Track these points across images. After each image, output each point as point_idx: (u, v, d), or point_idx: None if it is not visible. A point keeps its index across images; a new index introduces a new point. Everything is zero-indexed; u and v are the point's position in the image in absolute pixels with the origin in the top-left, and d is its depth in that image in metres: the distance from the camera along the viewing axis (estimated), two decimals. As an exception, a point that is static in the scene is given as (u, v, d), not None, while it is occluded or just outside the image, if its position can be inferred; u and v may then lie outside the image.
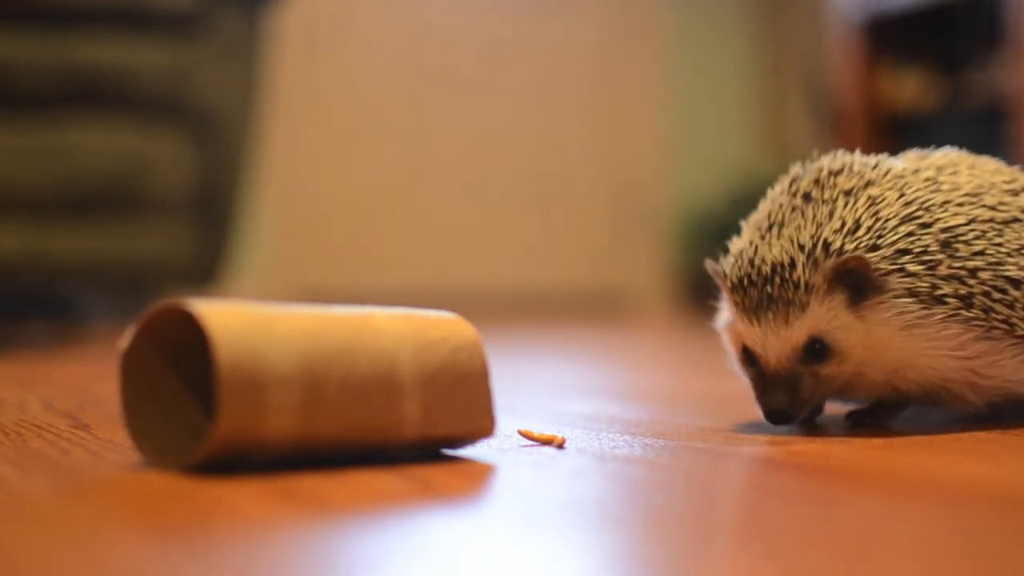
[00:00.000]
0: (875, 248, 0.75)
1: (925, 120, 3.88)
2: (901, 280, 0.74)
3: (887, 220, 0.76)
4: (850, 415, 0.82)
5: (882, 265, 0.75)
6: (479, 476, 0.60)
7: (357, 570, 0.40)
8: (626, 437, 0.76)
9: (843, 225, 0.76)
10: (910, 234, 0.75)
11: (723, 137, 4.88)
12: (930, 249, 0.75)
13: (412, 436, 0.65)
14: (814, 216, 0.77)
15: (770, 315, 0.75)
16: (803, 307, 0.75)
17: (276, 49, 4.33)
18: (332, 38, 4.43)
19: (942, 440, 0.73)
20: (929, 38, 3.99)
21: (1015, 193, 0.80)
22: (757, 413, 0.90)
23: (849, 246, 0.75)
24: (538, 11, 4.65)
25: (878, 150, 3.95)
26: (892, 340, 0.75)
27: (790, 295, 0.75)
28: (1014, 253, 0.76)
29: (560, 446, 0.72)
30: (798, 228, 0.77)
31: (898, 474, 0.60)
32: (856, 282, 0.75)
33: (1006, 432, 0.76)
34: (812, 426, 0.81)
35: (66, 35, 2.19)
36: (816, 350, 0.75)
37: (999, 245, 0.76)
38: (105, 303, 3.12)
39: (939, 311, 0.74)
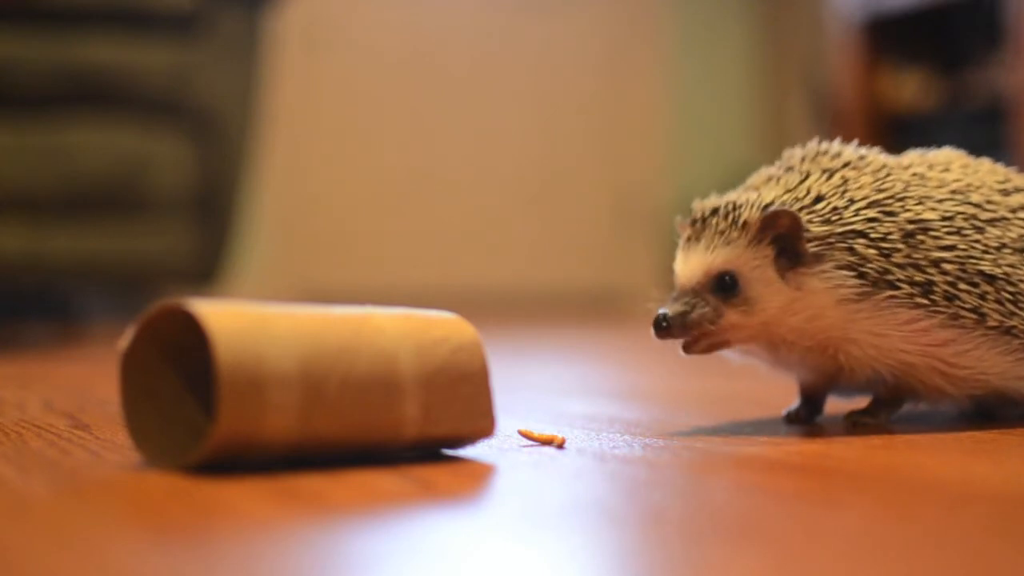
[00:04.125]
0: (827, 222, 0.76)
1: (925, 120, 3.88)
2: (848, 257, 0.75)
3: (853, 201, 0.77)
4: (849, 415, 0.82)
5: (830, 240, 0.75)
6: (479, 476, 0.60)
7: (357, 570, 0.40)
8: (626, 437, 0.76)
9: (807, 194, 0.78)
10: (872, 219, 0.76)
11: (723, 137, 4.88)
12: (889, 237, 0.76)
13: (412, 436, 0.65)
14: (786, 183, 0.79)
15: (701, 243, 0.77)
16: (729, 242, 0.76)
17: (276, 49, 4.33)
18: (332, 38, 4.43)
19: (942, 440, 0.73)
20: (929, 38, 3.99)
21: (1006, 193, 0.81)
22: (757, 413, 0.91)
23: (802, 214, 0.76)
24: (538, 11, 4.65)
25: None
26: (828, 310, 0.76)
27: (724, 227, 0.77)
28: (992, 250, 0.77)
29: (560, 446, 0.72)
30: (768, 190, 0.79)
31: (898, 474, 0.60)
32: (787, 244, 0.76)
33: (1005, 432, 0.76)
34: (812, 426, 0.82)
35: (66, 35, 2.19)
36: (725, 283, 0.76)
37: (976, 241, 0.77)
38: (105, 303, 3.12)
39: (887, 292, 0.75)
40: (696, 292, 0.77)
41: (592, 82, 4.73)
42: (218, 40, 2.28)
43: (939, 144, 3.78)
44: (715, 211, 0.78)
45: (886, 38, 3.98)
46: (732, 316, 0.76)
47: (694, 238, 0.78)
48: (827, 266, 0.76)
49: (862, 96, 3.96)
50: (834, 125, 4.24)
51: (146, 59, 2.22)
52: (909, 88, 3.92)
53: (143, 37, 2.23)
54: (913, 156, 0.83)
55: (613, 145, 4.74)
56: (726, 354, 0.82)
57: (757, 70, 4.93)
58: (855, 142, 0.84)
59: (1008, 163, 3.56)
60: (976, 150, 3.66)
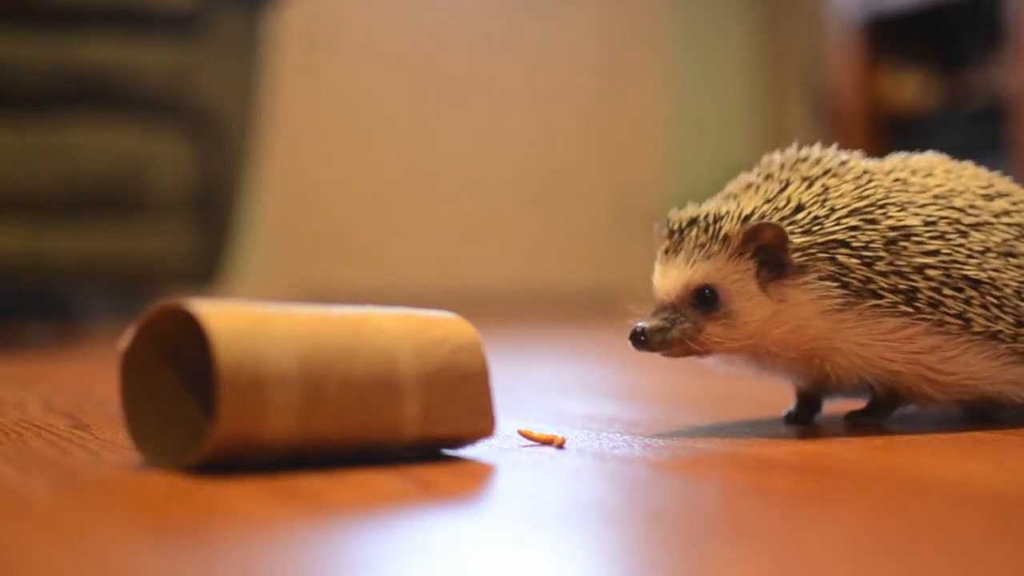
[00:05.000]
0: (808, 233, 0.75)
1: (925, 120, 3.88)
2: (830, 267, 0.75)
3: (834, 210, 0.76)
4: (849, 415, 0.82)
5: (812, 250, 0.75)
6: (479, 476, 0.60)
7: (357, 570, 0.40)
8: (626, 437, 0.76)
9: (787, 204, 0.77)
10: (853, 228, 0.75)
11: (723, 137, 4.88)
12: (871, 245, 0.75)
13: (412, 436, 0.65)
14: (766, 192, 0.78)
15: (680, 255, 0.76)
16: (709, 255, 0.75)
17: (276, 49, 4.33)
18: (332, 38, 4.43)
19: (942, 440, 0.73)
20: (929, 38, 3.99)
21: (989, 198, 0.80)
22: (756, 413, 0.91)
23: (783, 224, 0.75)
24: (538, 11, 4.65)
25: (878, 150, 3.95)
26: (812, 321, 0.75)
27: (704, 240, 0.76)
28: (976, 255, 0.76)
29: (560, 446, 0.72)
30: (747, 199, 0.78)
31: (898, 474, 0.60)
32: (771, 257, 0.75)
33: (1006, 432, 0.76)
34: (811, 426, 0.82)
35: (66, 35, 2.19)
36: (705, 297, 0.75)
37: (959, 246, 0.76)
38: (105, 303, 3.12)
39: (871, 302, 0.74)
40: (675, 307, 0.76)
41: (592, 82, 4.73)
42: (218, 40, 2.28)
43: (939, 144, 3.78)
44: (693, 222, 0.77)
45: (886, 38, 3.98)
46: (713, 330, 0.75)
47: (672, 251, 0.77)
48: (810, 277, 0.75)
49: (862, 96, 3.96)
50: (834, 125, 4.24)
51: (146, 59, 2.22)
52: (909, 88, 3.92)
53: (143, 37, 2.23)
54: (895, 161, 0.82)
55: (613, 145, 4.74)
56: (709, 363, 0.81)
57: (757, 70, 4.93)
58: (835, 145, 0.84)
59: (1008, 163, 3.56)
60: (976, 150, 3.66)
